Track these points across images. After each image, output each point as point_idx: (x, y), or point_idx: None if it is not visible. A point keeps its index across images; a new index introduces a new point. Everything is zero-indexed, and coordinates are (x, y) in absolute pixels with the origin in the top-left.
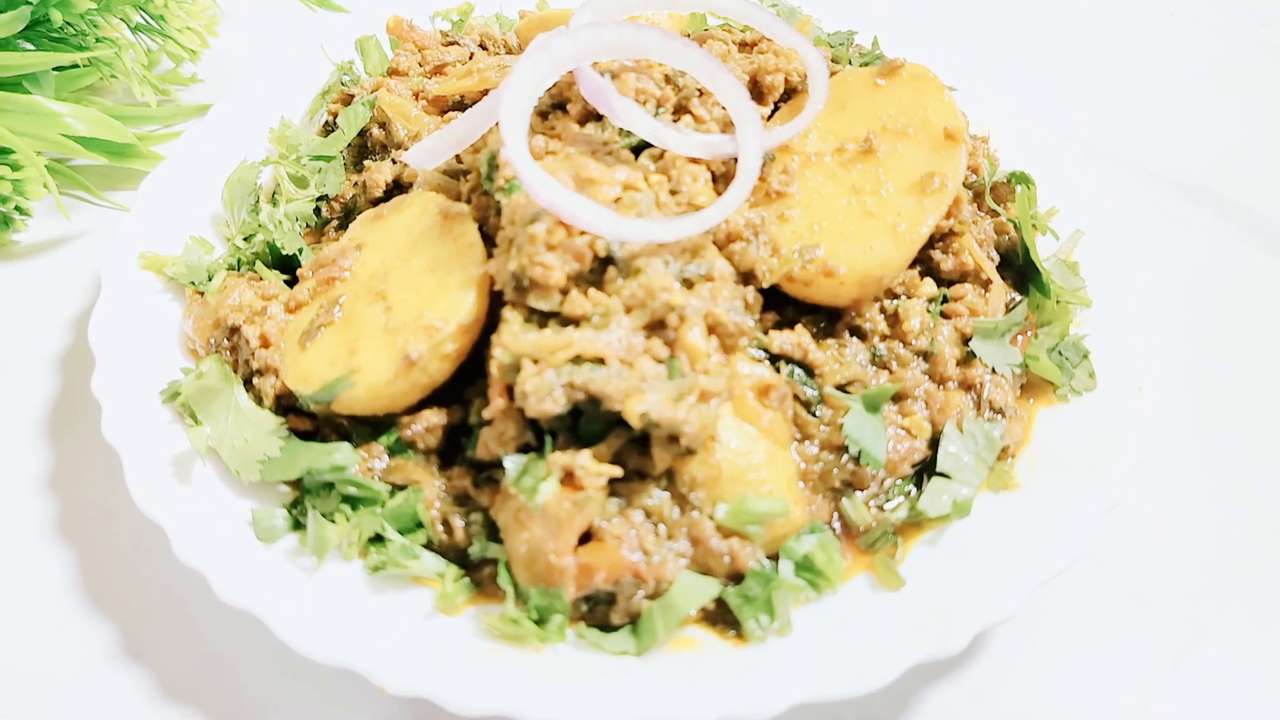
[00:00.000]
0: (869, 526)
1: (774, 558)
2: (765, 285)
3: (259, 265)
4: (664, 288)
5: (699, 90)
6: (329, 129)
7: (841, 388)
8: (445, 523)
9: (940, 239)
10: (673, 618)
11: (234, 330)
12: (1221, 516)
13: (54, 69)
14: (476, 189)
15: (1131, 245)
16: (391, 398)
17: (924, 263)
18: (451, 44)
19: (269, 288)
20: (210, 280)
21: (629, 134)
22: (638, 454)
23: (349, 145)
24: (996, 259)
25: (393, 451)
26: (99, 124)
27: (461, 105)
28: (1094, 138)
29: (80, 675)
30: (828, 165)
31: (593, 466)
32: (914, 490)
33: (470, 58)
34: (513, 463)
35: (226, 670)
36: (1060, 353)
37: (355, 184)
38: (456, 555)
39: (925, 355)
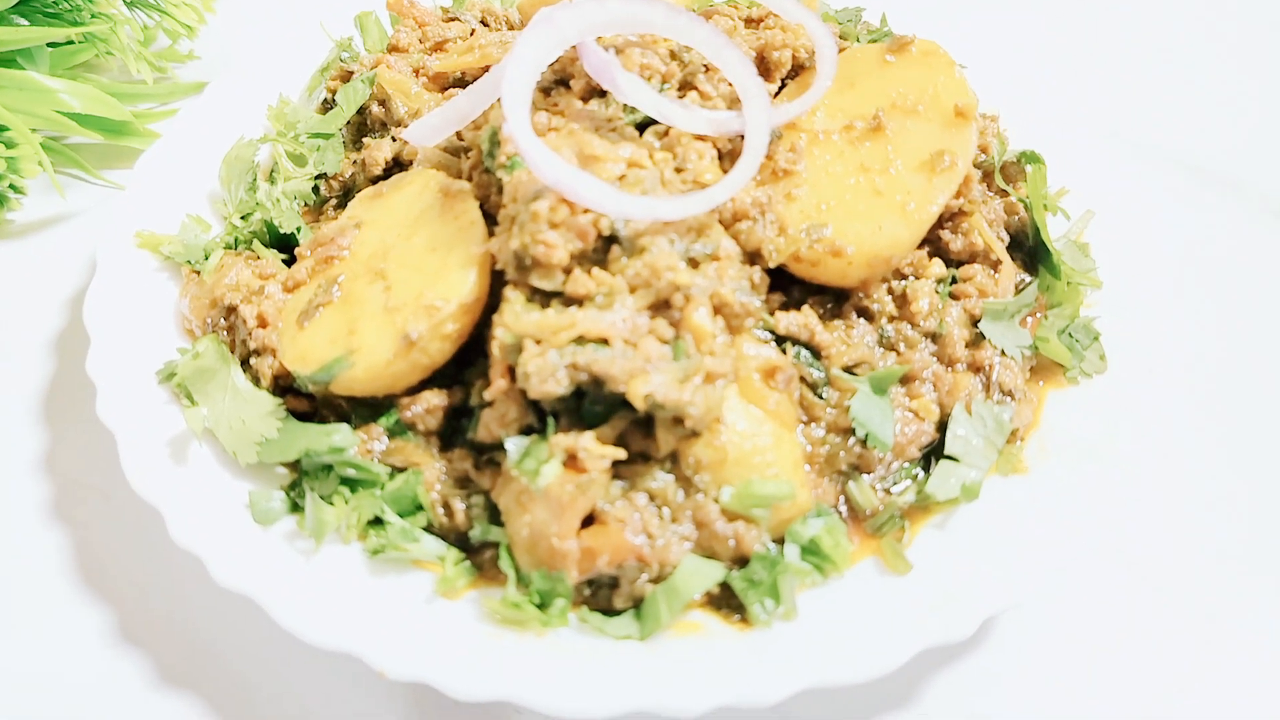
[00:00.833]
0: (876, 510)
1: (779, 541)
2: (772, 265)
3: (256, 244)
4: (669, 267)
5: (705, 66)
6: (328, 106)
7: (849, 369)
8: (446, 505)
9: (949, 219)
10: (676, 602)
11: (231, 310)
12: (1236, 501)
13: (48, 45)
14: (478, 166)
15: (1143, 226)
16: (391, 378)
17: (933, 243)
18: (452, 20)
19: (267, 267)
20: (207, 259)
21: (633, 110)
22: (641, 436)
23: (348, 123)
24: (1006, 239)
25: (392, 433)
26: (94, 100)
27: (462, 82)
28: (1104, 117)
29: (77, 660)
30: (836, 143)
31: (596, 449)
32: (921, 473)
33: (471, 34)
34: (514, 445)
35: (224, 654)
36: (1071, 334)
37: (354, 162)
38: (457, 538)
39: (934, 337)
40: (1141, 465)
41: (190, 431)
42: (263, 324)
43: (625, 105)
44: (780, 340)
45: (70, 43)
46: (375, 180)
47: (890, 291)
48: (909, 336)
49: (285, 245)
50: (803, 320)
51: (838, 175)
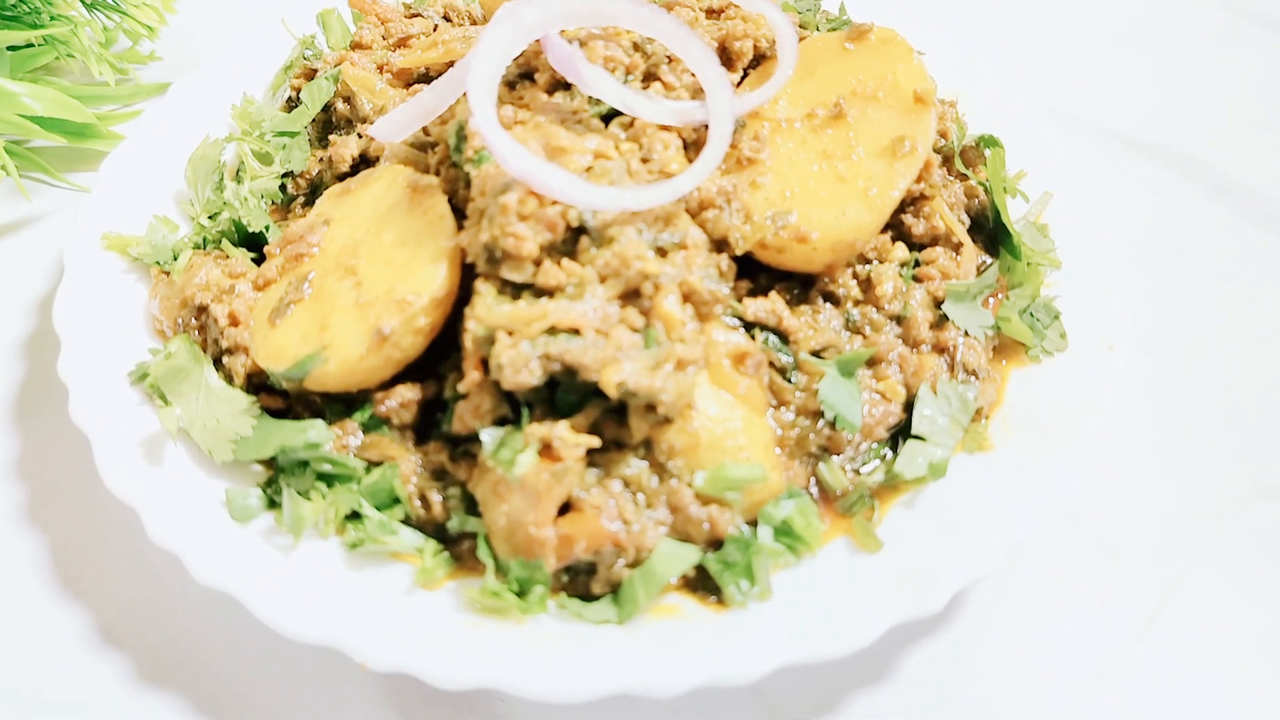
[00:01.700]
0: (846, 490)
1: (753, 523)
2: (739, 253)
3: (225, 243)
4: (638, 256)
5: (668, 57)
6: (292, 104)
7: (816, 353)
8: (423, 498)
9: (911, 203)
10: (653, 585)
11: (202, 309)
12: (1194, 473)
13: (8, 48)
14: (445, 161)
15: (1100, 206)
16: (364, 373)
17: (895, 227)
18: (415, 16)
19: (236, 265)
20: (175, 259)
21: (598, 102)
22: (615, 424)
23: (313, 120)
24: (967, 222)
25: (367, 428)
26: (56, 103)
27: (427, 78)
28: (1059, 100)
29: (56, 662)
30: (798, 131)
31: (570, 437)
32: (890, 453)
33: (434, 29)
34: (490, 435)
35: (205, 652)
36: (1032, 314)
37: (321, 159)
38: (435, 530)
39: (898, 319)
40: (1100, 439)
41: (164, 431)
42: (234, 322)
43: (590, 97)
44: (749, 326)
45: (30, 46)
46: (342, 177)
47: (855, 276)
48: (874, 320)
49: (254, 244)
50: (770, 306)
51: (801, 163)
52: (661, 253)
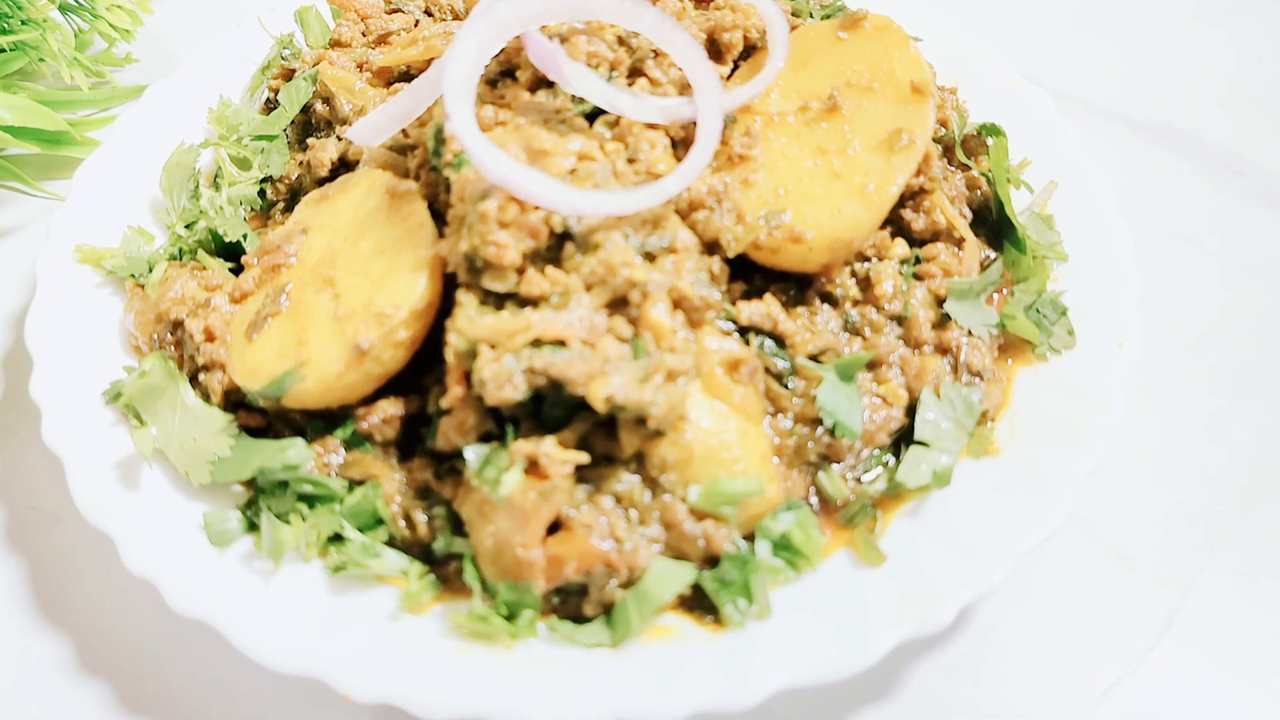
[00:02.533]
0: (847, 500)
1: (750, 538)
2: (731, 255)
3: (201, 254)
4: (625, 263)
5: (654, 51)
6: (270, 106)
7: (814, 357)
8: (407, 517)
9: (910, 197)
10: (647, 607)
11: (177, 324)
12: (1204, 472)
13: None
14: (424, 165)
15: (1104, 193)
16: (344, 390)
17: (894, 223)
18: (395, 11)
19: (212, 278)
20: (151, 272)
21: (582, 100)
22: (604, 438)
23: (292, 123)
24: (969, 215)
25: (349, 445)
26: (28, 111)
27: (408, 76)
28: (1062, 83)
29: (33, 691)
30: (791, 125)
31: (558, 454)
32: (892, 460)
33: (415, 25)
34: (474, 453)
35: (185, 680)
36: (1038, 310)
37: (300, 163)
38: (420, 551)
39: (899, 319)
40: (1111, 442)
41: (140, 453)
42: (210, 338)
43: (573, 96)
44: (743, 331)
45: (2, 51)
46: (322, 182)
47: (853, 275)
48: (874, 320)
49: (231, 253)
50: (765, 309)
51: (794, 158)
52: (650, 257)
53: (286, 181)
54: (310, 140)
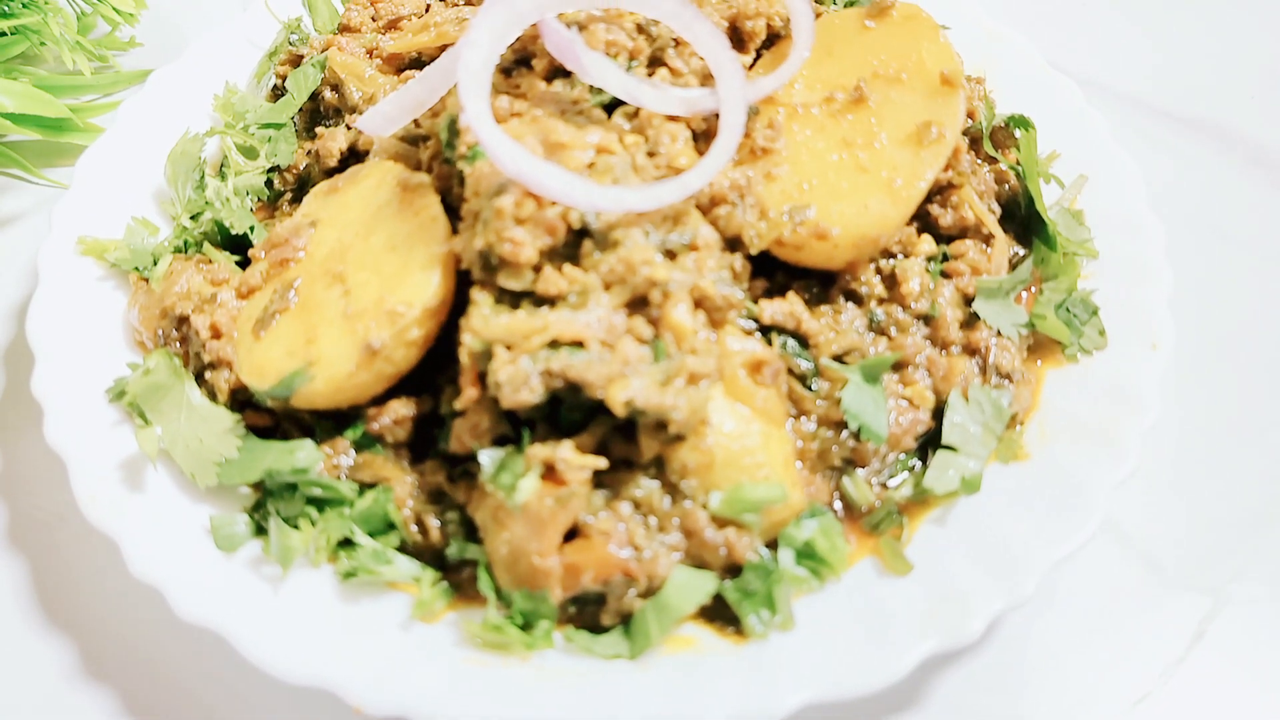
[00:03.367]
0: (872, 506)
1: (773, 546)
2: (754, 252)
3: (207, 246)
4: (645, 261)
5: (674, 40)
6: (278, 93)
7: (838, 358)
8: (419, 522)
9: (938, 192)
10: (668, 618)
11: (183, 320)
12: (1239, 478)
13: None
14: (437, 156)
15: (1139, 189)
16: (355, 390)
17: (921, 218)
18: None
19: (219, 271)
20: (155, 265)
21: (600, 91)
22: (623, 442)
23: (300, 111)
24: (998, 211)
25: (360, 447)
26: (28, 98)
27: (419, 63)
28: (1092, 73)
29: (36, 697)
30: (816, 117)
31: (575, 459)
32: (919, 465)
33: (427, 9)
34: (489, 457)
35: (191, 688)
36: (1068, 309)
37: (308, 153)
38: (433, 557)
39: (926, 319)
40: (1145, 446)
41: (144, 454)
42: (216, 335)
43: (591, 86)
44: (765, 330)
45: (2, 35)
46: (331, 172)
47: (879, 272)
48: (900, 320)
49: (238, 245)
50: (788, 308)
51: (820, 152)
52: (670, 255)
53: (294, 171)
54: (319, 129)
